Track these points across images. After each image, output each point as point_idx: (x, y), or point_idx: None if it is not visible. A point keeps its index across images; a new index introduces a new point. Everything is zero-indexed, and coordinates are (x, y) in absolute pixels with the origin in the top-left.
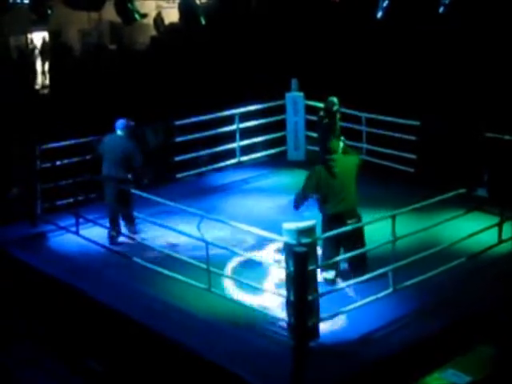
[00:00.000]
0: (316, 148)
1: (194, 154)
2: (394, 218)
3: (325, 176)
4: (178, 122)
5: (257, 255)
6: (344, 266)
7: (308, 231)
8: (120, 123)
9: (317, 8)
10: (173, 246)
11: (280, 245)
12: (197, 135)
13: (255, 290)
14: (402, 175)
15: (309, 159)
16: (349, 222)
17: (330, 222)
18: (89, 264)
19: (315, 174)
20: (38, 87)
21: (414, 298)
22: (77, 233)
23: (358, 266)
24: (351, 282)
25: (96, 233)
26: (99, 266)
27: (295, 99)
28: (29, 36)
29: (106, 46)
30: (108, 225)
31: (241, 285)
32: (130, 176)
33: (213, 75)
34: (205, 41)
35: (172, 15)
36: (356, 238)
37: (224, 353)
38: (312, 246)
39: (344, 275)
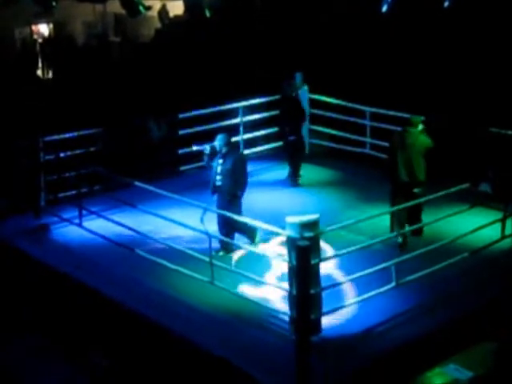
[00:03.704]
0: (320, 142)
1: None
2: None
3: (397, 144)
4: (181, 115)
5: (260, 248)
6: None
7: (311, 225)
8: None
9: (321, 1)
10: (176, 239)
11: (284, 238)
12: (200, 128)
13: (258, 283)
14: None
15: (312, 153)
16: (415, 190)
17: (399, 188)
18: (91, 256)
19: (392, 139)
20: (41, 78)
21: (416, 293)
22: (80, 225)
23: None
24: (354, 276)
25: (99, 225)
26: (102, 258)
27: (300, 93)
28: (34, 27)
29: (108, 38)
30: None
31: (243, 278)
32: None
33: (217, 68)
34: (209, 33)
35: (177, 8)
36: (417, 206)
37: (226, 346)
38: (315, 240)
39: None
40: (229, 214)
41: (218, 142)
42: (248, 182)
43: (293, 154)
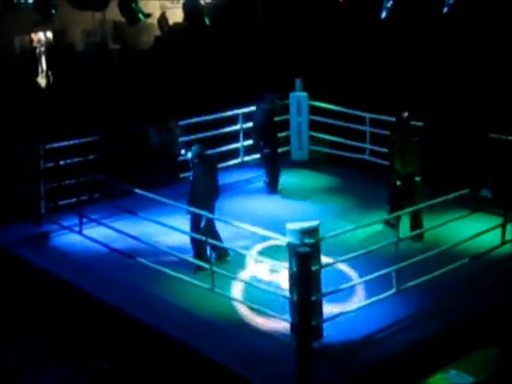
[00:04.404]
0: (319, 148)
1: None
2: (398, 218)
3: (403, 139)
4: (181, 122)
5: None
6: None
7: (311, 231)
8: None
9: (321, 9)
10: (176, 246)
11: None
12: (200, 135)
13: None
14: None
15: (312, 159)
16: (416, 178)
17: (402, 178)
18: (92, 263)
19: (395, 144)
20: (41, 86)
21: (417, 299)
22: (80, 232)
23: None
24: (355, 282)
25: (99, 232)
26: (102, 265)
27: (299, 99)
28: (34, 35)
29: (107, 46)
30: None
31: (245, 285)
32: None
33: (217, 75)
34: (209, 40)
35: (176, 15)
36: (417, 193)
37: (227, 353)
38: (315, 246)
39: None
40: (221, 219)
41: (191, 153)
42: (213, 196)
43: (270, 166)
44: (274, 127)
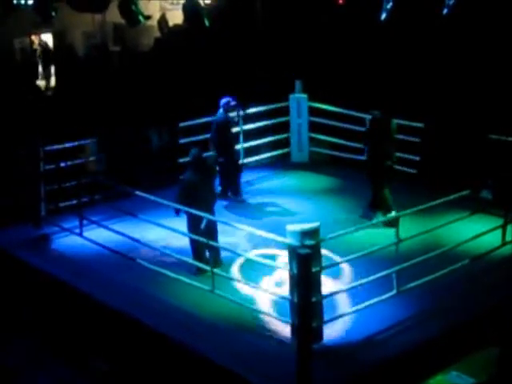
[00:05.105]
0: (320, 149)
1: None
2: (397, 219)
3: (381, 129)
4: (182, 124)
5: (261, 257)
6: None
7: (312, 233)
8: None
9: (321, 10)
10: (176, 248)
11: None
12: (201, 137)
13: (259, 291)
14: (405, 177)
15: (312, 161)
16: (387, 162)
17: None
18: (92, 265)
19: (375, 127)
20: (41, 88)
21: (417, 300)
22: (80, 234)
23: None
24: (355, 283)
25: (100, 234)
26: (102, 268)
27: (299, 101)
28: (34, 37)
29: (107, 48)
30: None
31: (245, 286)
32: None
33: (217, 77)
34: (209, 42)
35: (176, 17)
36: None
37: (228, 354)
38: (316, 248)
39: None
40: (221, 220)
41: (189, 156)
42: (212, 199)
43: (228, 175)
44: (228, 138)
